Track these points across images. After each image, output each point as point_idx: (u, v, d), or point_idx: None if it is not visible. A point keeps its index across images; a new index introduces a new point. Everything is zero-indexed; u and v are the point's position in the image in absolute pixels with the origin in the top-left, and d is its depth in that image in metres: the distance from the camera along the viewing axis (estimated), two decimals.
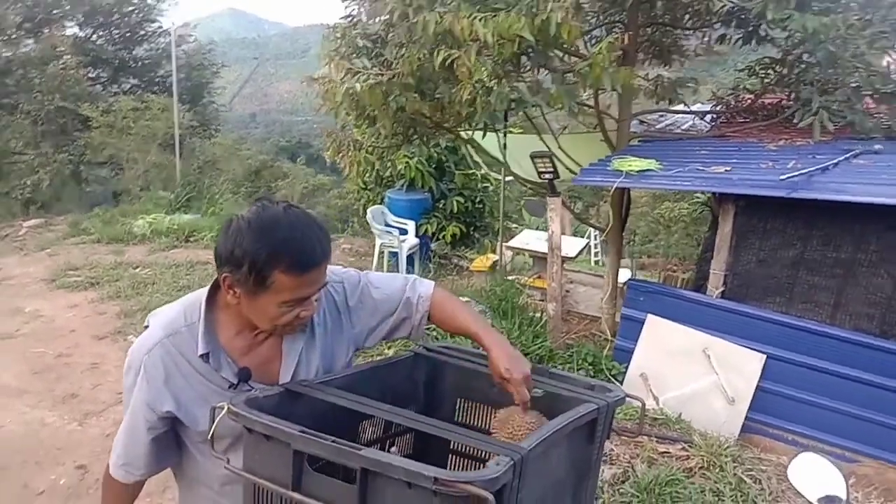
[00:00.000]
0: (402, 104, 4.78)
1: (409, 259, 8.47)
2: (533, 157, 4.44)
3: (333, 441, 1.29)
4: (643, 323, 4.70)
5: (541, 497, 1.49)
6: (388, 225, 8.67)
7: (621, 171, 4.51)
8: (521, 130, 8.55)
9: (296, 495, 1.31)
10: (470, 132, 6.14)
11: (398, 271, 8.16)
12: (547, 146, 5.94)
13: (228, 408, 1.39)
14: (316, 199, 15.91)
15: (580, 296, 7.94)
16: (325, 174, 18.83)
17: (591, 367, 4.74)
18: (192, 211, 9.07)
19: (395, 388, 1.87)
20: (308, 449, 1.30)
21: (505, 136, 6.75)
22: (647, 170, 4.52)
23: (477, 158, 8.96)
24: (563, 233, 5.85)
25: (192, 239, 8.06)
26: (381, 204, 9.17)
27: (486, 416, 1.84)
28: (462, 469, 1.86)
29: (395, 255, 8.41)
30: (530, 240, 7.91)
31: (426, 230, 9.01)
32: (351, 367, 1.77)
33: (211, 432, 1.42)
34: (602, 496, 3.06)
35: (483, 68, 4.01)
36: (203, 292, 1.53)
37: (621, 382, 4.60)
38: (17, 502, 3.38)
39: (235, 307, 1.47)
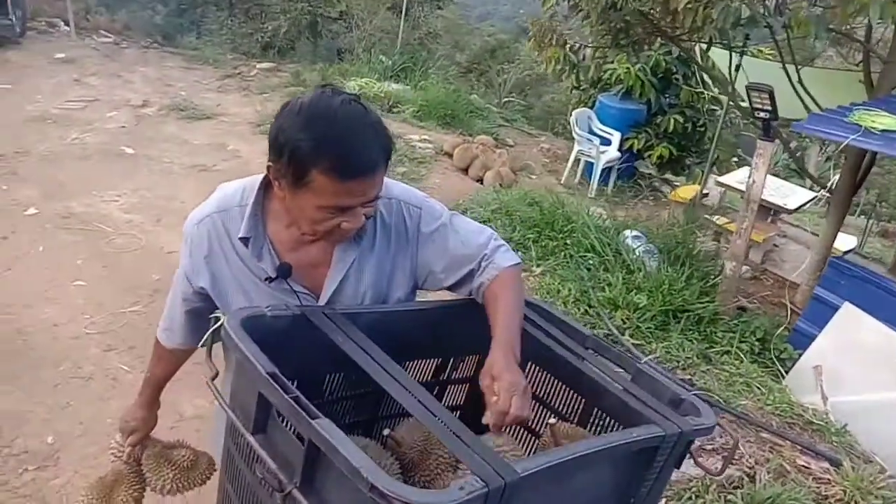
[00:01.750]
0: (617, 0, 4.22)
1: (605, 173, 7.92)
2: (749, 89, 3.72)
3: (294, 398, 1.11)
4: (836, 310, 3.96)
5: None
6: (591, 132, 8.11)
7: (860, 125, 3.66)
8: (770, 53, 7.39)
9: (251, 439, 1.17)
10: (695, 44, 5.36)
11: (591, 184, 7.68)
12: (789, 78, 5.04)
13: (223, 322, 1.27)
14: (541, 88, 15.38)
15: (788, 255, 7.02)
16: None
17: (757, 343, 4.13)
18: (402, 81, 9.13)
19: (453, 335, 1.66)
20: (268, 396, 1.14)
21: (741, 56, 5.84)
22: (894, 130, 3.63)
23: (706, 77, 7.99)
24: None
25: (394, 110, 8.13)
26: (591, 108, 8.57)
27: (567, 397, 1.56)
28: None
29: (591, 165, 7.89)
30: (745, 178, 6.98)
31: (632, 145, 8.30)
32: (399, 303, 1.57)
33: (203, 342, 1.33)
34: (705, 496, 2.68)
35: None
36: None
37: (787, 371, 3.98)
38: None
39: (283, 199, 1.34)
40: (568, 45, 5.05)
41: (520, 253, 4.73)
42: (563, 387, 1.59)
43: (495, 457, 1.10)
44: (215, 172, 5.79)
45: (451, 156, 6.97)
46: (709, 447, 3.00)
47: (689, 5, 3.64)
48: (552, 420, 1.55)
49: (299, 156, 1.21)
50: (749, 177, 4.00)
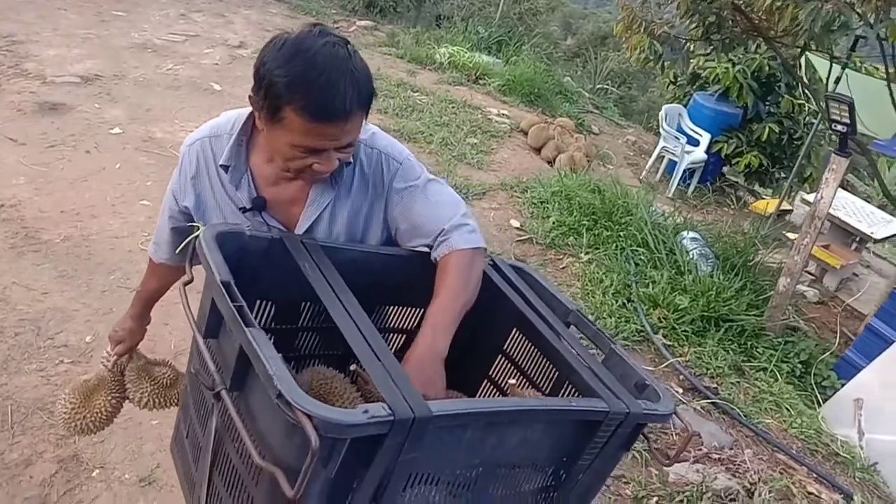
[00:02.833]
0: None
1: (688, 174, 7.67)
2: (828, 98, 3.52)
3: (238, 307, 1.17)
4: (890, 344, 3.75)
5: (466, 468, 1.25)
6: (680, 129, 7.86)
7: None
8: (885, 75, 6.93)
9: (200, 340, 1.24)
10: (793, 49, 5.10)
11: (671, 183, 7.46)
12: (892, 97, 4.74)
13: (201, 233, 1.35)
14: (649, 82, 14.94)
15: (868, 286, 6.63)
16: None
17: (800, 366, 3.96)
18: (495, 55, 9.07)
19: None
20: (217, 302, 1.21)
21: (843, 69, 5.50)
22: None
23: (807, 91, 7.59)
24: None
25: (480, 81, 8.11)
26: (685, 105, 8.29)
27: (543, 367, 1.58)
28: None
29: (673, 164, 7.66)
30: (837, 200, 6.59)
31: (721, 149, 7.98)
32: (381, 246, 1.61)
33: (180, 248, 1.40)
34: (698, 503, 2.62)
35: None
36: None
37: (826, 399, 3.80)
38: None
39: (262, 132, 1.37)
40: (656, 34, 4.87)
41: (570, 238, 4.68)
42: (542, 356, 1.60)
43: (416, 396, 1.12)
44: None
45: (526, 133, 6.91)
46: (715, 457, 2.92)
47: (778, 3, 3.45)
48: (512, 381, 1.57)
49: (274, 91, 1.22)
50: (818, 192, 3.80)
